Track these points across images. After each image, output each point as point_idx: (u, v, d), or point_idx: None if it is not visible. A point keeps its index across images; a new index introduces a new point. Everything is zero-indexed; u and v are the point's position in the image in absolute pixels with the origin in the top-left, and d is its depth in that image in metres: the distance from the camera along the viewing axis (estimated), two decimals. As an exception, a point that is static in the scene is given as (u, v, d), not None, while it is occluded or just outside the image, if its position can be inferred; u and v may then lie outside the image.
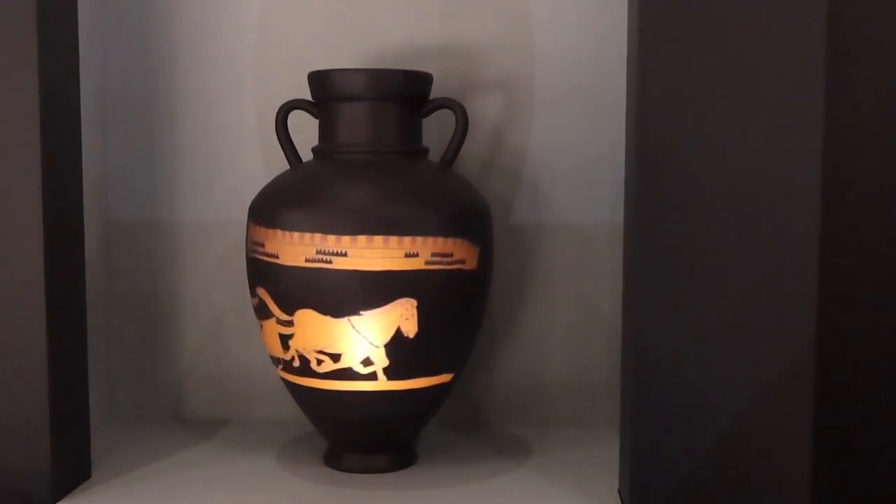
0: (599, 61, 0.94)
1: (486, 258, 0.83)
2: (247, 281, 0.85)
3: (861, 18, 0.68)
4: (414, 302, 0.78)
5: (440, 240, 0.78)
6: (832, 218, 0.68)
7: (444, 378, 0.83)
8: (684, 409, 0.71)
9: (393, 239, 0.77)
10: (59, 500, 0.77)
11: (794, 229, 0.68)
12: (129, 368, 1.00)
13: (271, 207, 0.81)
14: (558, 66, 0.95)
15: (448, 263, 0.79)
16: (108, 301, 0.99)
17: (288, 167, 0.86)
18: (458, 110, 0.84)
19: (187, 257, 0.99)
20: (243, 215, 0.86)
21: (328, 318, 0.78)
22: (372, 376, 0.79)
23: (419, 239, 0.77)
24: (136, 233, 0.99)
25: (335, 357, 0.79)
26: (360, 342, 0.78)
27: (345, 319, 0.78)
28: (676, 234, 0.69)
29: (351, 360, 0.79)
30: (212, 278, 0.99)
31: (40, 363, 0.75)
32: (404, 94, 0.83)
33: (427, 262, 0.78)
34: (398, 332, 0.78)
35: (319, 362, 0.79)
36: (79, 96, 0.81)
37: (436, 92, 0.87)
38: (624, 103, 0.79)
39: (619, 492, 0.79)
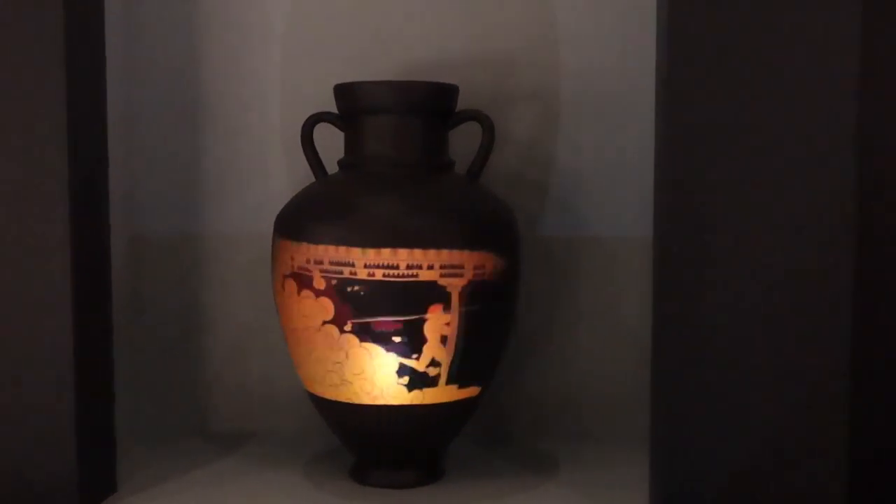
0: (627, 74, 0.94)
1: (512, 271, 0.82)
2: (272, 294, 0.84)
3: (894, 23, 0.67)
4: None
5: (466, 252, 0.78)
6: (868, 229, 0.67)
7: (472, 392, 0.82)
8: (715, 424, 0.70)
9: (418, 252, 0.76)
10: (85, 513, 0.77)
11: (828, 239, 0.67)
12: (155, 382, 1.00)
13: (298, 221, 0.81)
14: (585, 79, 0.95)
15: (475, 276, 0.78)
16: (134, 315, 0.99)
17: (313, 180, 0.86)
18: (485, 122, 0.83)
19: (213, 271, 0.99)
20: (269, 229, 0.86)
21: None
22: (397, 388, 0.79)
23: (445, 251, 0.77)
24: (162, 247, 0.99)
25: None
26: None
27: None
28: (705, 246, 0.69)
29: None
30: (237, 292, 0.99)
31: (67, 377, 0.75)
32: (430, 106, 0.82)
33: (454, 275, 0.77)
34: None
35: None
36: (105, 111, 0.81)
37: (462, 104, 0.87)
38: (652, 116, 0.78)
39: (649, 508, 0.78)
